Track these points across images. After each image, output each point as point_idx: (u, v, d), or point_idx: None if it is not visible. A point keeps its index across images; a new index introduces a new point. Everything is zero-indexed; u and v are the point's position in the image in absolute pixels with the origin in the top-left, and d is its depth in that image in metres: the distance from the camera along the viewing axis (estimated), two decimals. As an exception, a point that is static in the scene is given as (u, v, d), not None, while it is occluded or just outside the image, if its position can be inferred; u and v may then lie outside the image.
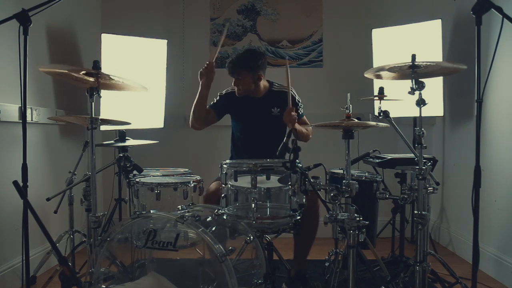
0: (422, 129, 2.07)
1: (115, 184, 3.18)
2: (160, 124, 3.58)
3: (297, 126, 2.49)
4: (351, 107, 2.07)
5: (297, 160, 1.90)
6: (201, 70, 2.67)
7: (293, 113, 2.42)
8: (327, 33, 3.98)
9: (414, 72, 2.06)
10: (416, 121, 3.12)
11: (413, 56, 2.04)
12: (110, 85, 2.04)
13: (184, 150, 3.94)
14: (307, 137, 2.69)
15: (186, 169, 2.62)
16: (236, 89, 2.67)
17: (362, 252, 2.33)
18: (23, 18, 1.74)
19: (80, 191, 2.24)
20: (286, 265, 2.70)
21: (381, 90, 2.32)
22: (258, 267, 2.08)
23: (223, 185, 2.02)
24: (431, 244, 3.16)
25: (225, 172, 2.00)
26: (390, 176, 2.87)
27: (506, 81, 2.71)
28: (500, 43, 1.80)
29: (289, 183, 1.95)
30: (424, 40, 3.24)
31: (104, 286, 1.93)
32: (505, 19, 1.73)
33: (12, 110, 2.57)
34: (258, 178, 1.92)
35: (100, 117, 1.95)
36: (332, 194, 1.90)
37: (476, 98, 1.80)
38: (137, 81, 2.01)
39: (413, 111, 2.21)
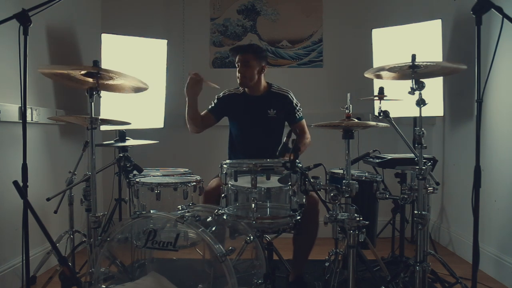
0: (422, 129, 2.07)
1: (115, 184, 3.18)
2: (160, 124, 3.58)
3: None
4: (351, 107, 2.07)
5: (297, 160, 1.89)
6: (189, 82, 2.56)
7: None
8: (327, 33, 3.98)
9: (414, 72, 2.06)
10: (416, 121, 3.12)
11: (413, 56, 2.04)
12: (110, 86, 2.04)
13: (184, 150, 3.94)
14: (304, 146, 2.69)
15: (186, 169, 2.62)
16: (240, 78, 2.65)
17: (362, 252, 2.33)
18: (23, 18, 1.74)
19: (80, 191, 2.24)
20: (286, 265, 2.70)
21: (381, 90, 2.32)
22: (258, 267, 2.08)
23: (223, 185, 2.02)
24: (431, 244, 3.15)
25: (225, 172, 2.00)
26: (390, 176, 2.87)
27: (506, 81, 2.71)
28: (500, 43, 1.80)
29: (289, 183, 1.95)
30: (424, 40, 3.24)
31: (104, 286, 1.93)
32: (505, 19, 1.73)
33: (12, 110, 2.57)
34: (258, 178, 1.92)
35: (100, 117, 1.95)
36: (332, 194, 1.90)
37: (476, 98, 1.80)
38: (136, 77, 1.99)
39: (413, 111, 2.21)
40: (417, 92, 2.07)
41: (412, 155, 2.18)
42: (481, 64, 1.81)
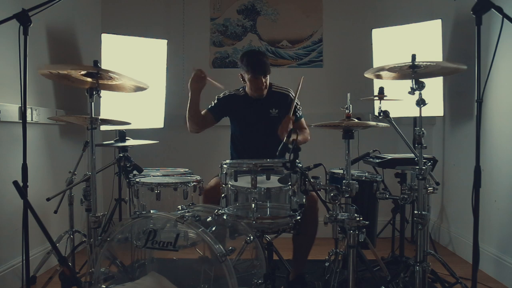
0: (422, 129, 2.07)
1: (115, 184, 3.18)
2: (160, 124, 3.58)
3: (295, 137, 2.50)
4: (351, 107, 2.07)
5: (297, 160, 1.90)
6: (193, 77, 2.56)
7: (290, 126, 2.43)
8: (327, 33, 3.98)
9: (414, 72, 2.06)
10: (416, 121, 3.12)
11: (413, 56, 2.04)
12: (110, 86, 2.04)
13: (184, 150, 3.94)
14: (305, 142, 2.70)
15: (186, 169, 2.62)
16: (262, 90, 2.64)
17: (362, 252, 2.32)
18: (23, 18, 1.74)
19: (80, 191, 2.24)
20: (286, 265, 2.70)
21: (381, 90, 2.32)
22: (258, 267, 2.08)
23: (223, 185, 2.02)
24: (431, 244, 3.15)
25: (225, 172, 2.00)
26: (390, 176, 2.87)
27: (506, 81, 2.71)
28: (500, 43, 1.80)
29: (289, 183, 1.95)
30: (424, 40, 3.24)
31: (104, 286, 1.93)
32: (505, 19, 1.73)
33: (12, 110, 2.57)
34: (258, 178, 1.92)
35: (100, 117, 1.95)
36: (332, 194, 1.90)
37: (476, 98, 1.80)
38: (135, 78, 1.99)
39: (413, 111, 2.21)
40: (417, 92, 2.07)
41: (412, 155, 2.18)
42: (481, 64, 1.81)
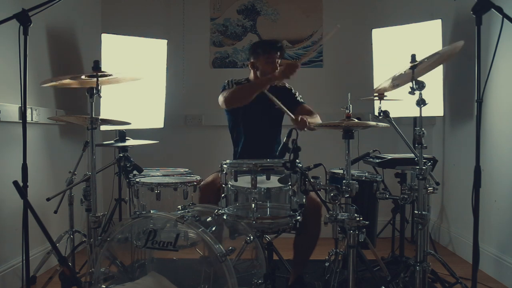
0: (422, 129, 2.06)
1: (115, 184, 3.18)
2: (160, 124, 3.58)
3: (309, 120, 2.51)
4: (351, 107, 2.07)
5: (297, 160, 1.89)
6: (287, 69, 2.40)
7: (300, 118, 2.43)
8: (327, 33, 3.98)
9: (415, 73, 2.05)
10: (416, 121, 3.12)
11: (413, 56, 2.04)
12: (108, 80, 2.03)
13: (184, 150, 3.94)
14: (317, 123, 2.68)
15: (186, 169, 2.62)
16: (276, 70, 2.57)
17: (362, 252, 2.32)
18: (23, 18, 1.74)
19: (80, 191, 2.24)
20: (286, 265, 2.70)
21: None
22: (258, 267, 2.08)
23: (223, 185, 2.02)
24: (431, 244, 3.15)
25: (225, 172, 2.00)
26: (390, 176, 2.87)
27: (506, 81, 2.71)
28: (500, 43, 1.80)
29: (289, 183, 1.95)
30: (424, 40, 3.23)
31: (104, 286, 1.93)
32: (505, 19, 1.73)
33: (12, 110, 2.57)
34: (258, 178, 1.92)
35: (100, 117, 1.94)
36: (332, 194, 1.90)
37: (476, 98, 1.80)
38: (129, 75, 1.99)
39: (413, 111, 2.20)
40: (417, 92, 2.07)
41: (412, 155, 2.18)
42: (481, 64, 1.81)
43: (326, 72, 3.98)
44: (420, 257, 2.08)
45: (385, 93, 2.31)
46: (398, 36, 3.39)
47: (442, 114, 3.33)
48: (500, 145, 2.79)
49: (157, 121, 3.55)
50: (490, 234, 2.86)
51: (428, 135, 2.54)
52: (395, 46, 3.37)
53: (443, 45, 3.19)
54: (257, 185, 1.92)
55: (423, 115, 2.11)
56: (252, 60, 2.66)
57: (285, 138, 1.97)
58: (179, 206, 2.08)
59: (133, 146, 2.73)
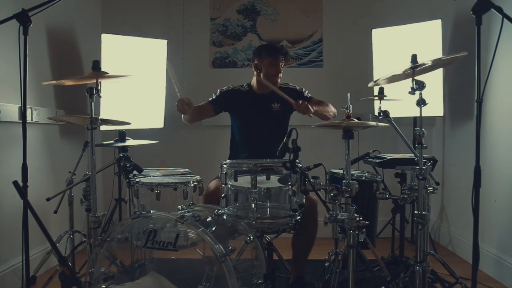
0: (422, 129, 2.06)
1: (115, 184, 3.18)
2: (160, 124, 3.58)
3: (314, 107, 2.52)
4: (351, 107, 2.07)
5: (297, 160, 1.89)
6: (178, 104, 2.43)
7: (301, 102, 2.44)
8: (327, 33, 3.98)
9: (414, 73, 2.05)
10: (416, 121, 3.12)
11: (414, 56, 2.03)
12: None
13: (184, 150, 3.94)
14: (330, 112, 2.71)
15: (186, 169, 2.62)
16: (279, 74, 2.62)
17: (362, 252, 2.33)
18: (23, 18, 1.74)
19: (80, 191, 2.24)
20: (286, 265, 2.70)
21: (381, 90, 2.32)
22: (258, 267, 2.08)
23: (223, 185, 2.02)
24: (431, 244, 3.15)
25: (225, 172, 2.00)
26: (390, 176, 2.87)
27: (506, 81, 2.71)
28: (500, 43, 1.80)
29: (289, 183, 1.95)
30: (424, 40, 3.23)
31: (104, 286, 1.93)
32: (505, 19, 1.73)
33: (12, 110, 2.57)
34: (258, 178, 1.92)
35: (100, 117, 1.95)
36: (332, 194, 1.90)
37: (476, 98, 1.80)
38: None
39: (413, 111, 2.21)
40: (417, 92, 2.07)
41: (412, 155, 2.18)
42: (481, 64, 1.81)
43: (326, 72, 3.98)
44: (420, 257, 2.08)
45: (385, 93, 2.31)
46: (398, 36, 3.39)
47: (442, 114, 3.33)
48: (500, 145, 2.79)
49: (157, 121, 3.55)
50: (490, 234, 2.86)
51: (428, 135, 2.54)
52: (395, 46, 3.37)
53: (443, 45, 3.20)
54: (257, 185, 1.92)
55: (423, 115, 2.11)
56: (256, 62, 2.66)
57: (285, 138, 1.97)
58: (179, 206, 2.08)
59: (133, 146, 2.73)
